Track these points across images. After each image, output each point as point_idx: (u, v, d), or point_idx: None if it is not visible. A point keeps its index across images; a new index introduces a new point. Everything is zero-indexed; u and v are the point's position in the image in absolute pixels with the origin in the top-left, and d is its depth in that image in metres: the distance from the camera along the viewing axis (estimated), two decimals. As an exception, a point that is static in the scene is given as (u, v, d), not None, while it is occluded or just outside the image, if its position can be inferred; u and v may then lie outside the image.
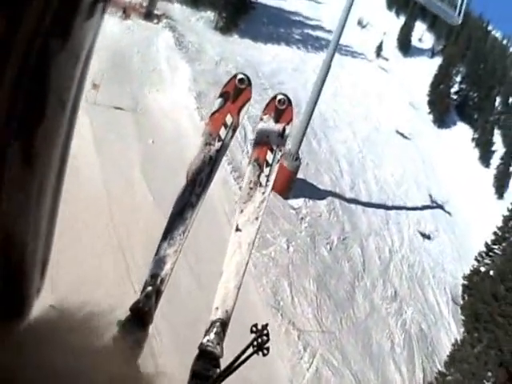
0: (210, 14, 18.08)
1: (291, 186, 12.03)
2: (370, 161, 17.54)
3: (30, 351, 0.59)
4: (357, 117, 19.44)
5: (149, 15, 15.36)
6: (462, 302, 14.48)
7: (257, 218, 2.40)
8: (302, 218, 11.77)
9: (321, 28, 24.33)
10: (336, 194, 13.94)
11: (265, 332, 1.61)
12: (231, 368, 1.63)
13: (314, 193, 13.06)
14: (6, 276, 0.61)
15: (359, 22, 27.60)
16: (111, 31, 13.02)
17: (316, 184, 13.52)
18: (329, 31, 23.63)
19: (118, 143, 10.04)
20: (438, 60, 28.06)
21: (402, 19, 30.76)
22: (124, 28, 14.33)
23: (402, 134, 21.26)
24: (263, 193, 2.46)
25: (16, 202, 0.57)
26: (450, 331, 13.69)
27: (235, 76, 2.41)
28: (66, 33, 0.54)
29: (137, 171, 9.72)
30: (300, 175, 12.69)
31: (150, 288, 2.24)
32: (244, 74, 2.39)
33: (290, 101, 2.51)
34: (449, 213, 19.37)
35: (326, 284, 10.89)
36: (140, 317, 2.09)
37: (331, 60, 11.75)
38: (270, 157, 2.50)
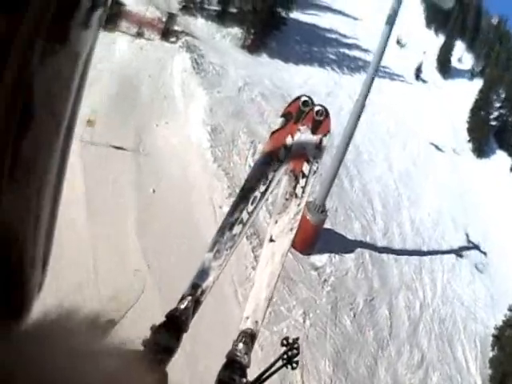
0: (238, 31, 15.94)
1: (315, 241, 10.08)
2: (405, 199, 15.43)
3: (30, 351, 0.56)
4: (394, 148, 17.31)
5: (166, 33, 13.26)
6: (490, 355, 12.89)
7: (291, 230, 2.46)
8: (325, 281, 9.82)
9: (357, 47, 22.17)
10: (366, 244, 11.94)
11: (295, 346, 1.64)
12: (260, 380, 1.67)
13: (342, 245, 11.07)
14: (7, 276, 0.58)
15: (398, 41, 25.48)
16: (120, 52, 11.33)
17: (345, 234, 11.52)
18: (366, 50, 21.67)
19: (112, 196, 8.28)
20: (477, 82, 25.90)
21: (441, 37, 28.76)
22: (135, 48, 12.43)
23: (440, 165, 18.95)
24: (298, 204, 2.49)
25: (17, 201, 0.56)
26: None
27: (299, 98, 2.53)
28: (63, 38, 0.53)
29: (131, 233, 7.85)
30: (327, 224, 10.70)
31: (189, 298, 2.29)
32: (308, 97, 2.51)
33: (327, 112, 2.52)
34: (484, 253, 17.22)
35: (344, 362, 9.06)
36: (175, 325, 2.14)
37: (370, 88, 9.59)
38: (306, 168, 2.53)
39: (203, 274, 2.37)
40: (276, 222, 2.46)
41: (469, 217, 18.19)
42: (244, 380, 2.05)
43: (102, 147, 8.88)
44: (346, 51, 21.20)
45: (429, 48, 27.05)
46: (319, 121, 2.52)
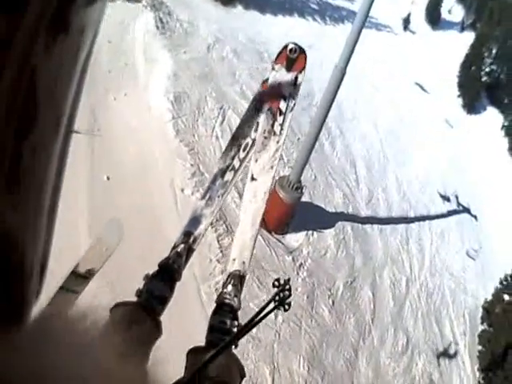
0: (211, -19, 14.33)
1: (289, 220, 9.00)
2: (392, 160, 14.19)
3: (29, 351, 0.55)
4: (380, 105, 15.96)
5: None
6: (479, 330, 12.20)
7: (272, 167, 2.56)
8: (301, 265, 8.70)
9: (342, -4, 20.43)
10: (348, 216, 10.81)
11: (287, 287, 1.58)
12: (253, 322, 1.58)
13: (321, 219, 9.94)
14: (6, 277, 0.58)
15: None
16: None
17: (324, 206, 10.36)
18: (350, 0, 20.27)
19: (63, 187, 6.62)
20: (467, 35, 24.36)
21: (431, -13, 26.52)
22: None
23: (429, 123, 17.72)
24: (277, 142, 2.57)
25: (16, 203, 0.56)
26: (463, 371, 11.10)
27: (286, 47, 2.59)
28: (64, 36, 0.52)
29: (82, 227, 6.57)
30: (305, 197, 9.52)
31: (181, 246, 2.45)
32: (294, 43, 2.59)
33: (302, 49, 2.56)
34: (475, 217, 16.19)
35: (321, 359, 8.06)
36: (168, 274, 2.31)
37: (356, 41, 8.25)
38: (283, 105, 2.60)
39: (195, 221, 2.50)
40: (256, 160, 2.54)
41: (458, 177, 16.86)
42: (235, 323, 2.21)
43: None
44: (329, 0, 19.59)
45: (417, -2, 25.65)
46: (293, 58, 2.55)
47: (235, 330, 2.28)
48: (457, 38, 24.80)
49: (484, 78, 21.46)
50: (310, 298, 8.51)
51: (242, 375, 2.08)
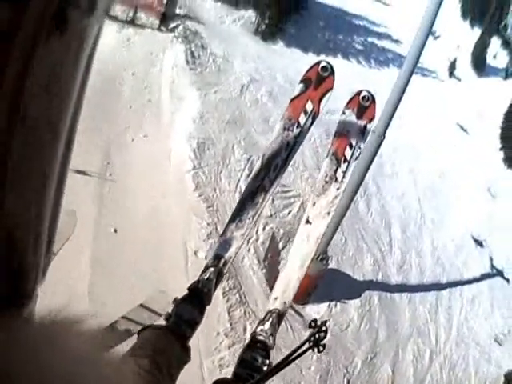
0: (252, 14, 13.64)
1: (311, 292, 8.17)
2: (429, 221, 13.27)
3: (30, 341, 0.56)
4: (421, 159, 15.08)
5: (166, 17, 10.90)
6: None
7: (328, 213, 2.57)
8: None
9: (388, 36, 19.68)
10: (377, 284, 9.98)
11: (323, 328, 1.64)
12: (286, 362, 1.64)
13: (347, 288, 9.13)
14: (9, 262, 0.61)
15: (431, 32, 22.53)
16: (102, 45, 9.10)
17: (353, 273, 9.56)
18: (397, 41, 19.43)
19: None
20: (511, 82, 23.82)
21: (476, 31, 25.97)
22: (121, 40, 10.06)
23: (470, 178, 16.75)
24: (338, 188, 2.61)
25: (19, 196, 0.58)
26: None
27: (318, 63, 2.70)
28: (68, 29, 0.53)
29: (83, 292, 5.72)
30: (332, 264, 8.72)
31: (211, 269, 2.44)
32: (327, 62, 2.70)
33: (374, 98, 2.64)
34: (507, 280, 15.13)
35: None
36: (197, 297, 2.30)
37: (405, 88, 7.42)
38: (348, 153, 2.64)
39: (226, 244, 2.53)
40: (314, 204, 2.64)
41: (495, 238, 15.96)
42: (267, 361, 2.24)
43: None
44: (375, 41, 18.77)
45: (463, 41, 24.54)
46: (365, 106, 2.64)
47: (265, 368, 2.23)
48: (501, 85, 23.79)
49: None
50: (322, 378, 7.66)
51: None
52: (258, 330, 2.43)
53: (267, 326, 2.41)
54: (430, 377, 9.90)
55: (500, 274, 15.01)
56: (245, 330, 6.79)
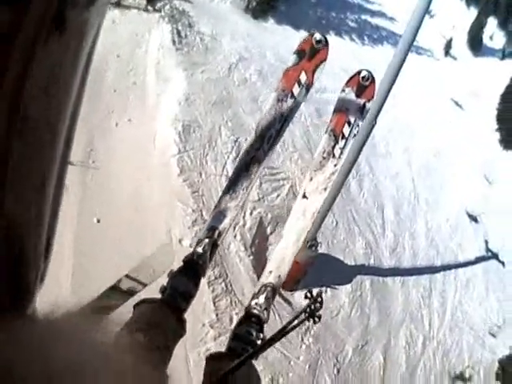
0: (243, -9, 13.18)
1: (300, 278, 7.92)
2: (423, 202, 13.00)
3: (31, 342, 0.56)
4: (417, 138, 14.83)
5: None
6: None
7: (325, 189, 2.60)
8: (307, 329, 7.58)
9: (382, 14, 19.24)
10: (369, 268, 9.72)
11: (319, 299, 1.63)
12: (281, 333, 1.66)
13: (338, 274, 8.87)
14: (9, 265, 0.61)
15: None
16: None
17: (344, 258, 9.29)
18: (391, 19, 19.09)
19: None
20: (508, 63, 23.48)
21: (473, 11, 25.71)
22: (106, 22, 9.11)
23: (465, 157, 16.48)
24: (335, 165, 2.62)
25: (19, 196, 0.57)
26: None
27: (312, 34, 2.76)
28: (67, 30, 0.53)
29: (65, 283, 5.46)
30: (323, 247, 8.48)
31: (206, 241, 2.44)
32: (321, 34, 2.75)
33: (373, 78, 2.71)
34: (502, 263, 14.92)
35: None
36: (192, 270, 2.32)
37: (400, 67, 7.05)
38: (346, 130, 2.66)
39: (220, 215, 2.56)
40: (311, 179, 2.68)
41: (491, 219, 15.74)
42: (261, 335, 2.29)
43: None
44: (369, 18, 18.35)
45: (459, 21, 24.33)
46: (364, 85, 2.73)
47: (259, 342, 2.25)
48: (498, 66, 23.62)
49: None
50: (312, 368, 7.45)
51: None
52: (253, 303, 2.42)
53: (261, 299, 2.40)
54: (423, 363, 9.73)
55: (495, 256, 14.87)
56: (231, 320, 6.56)
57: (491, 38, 25.86)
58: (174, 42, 9.71)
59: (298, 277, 7.76)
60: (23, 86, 0.50)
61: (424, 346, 10.04)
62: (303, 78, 2.78)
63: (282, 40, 12.97)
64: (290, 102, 2.78)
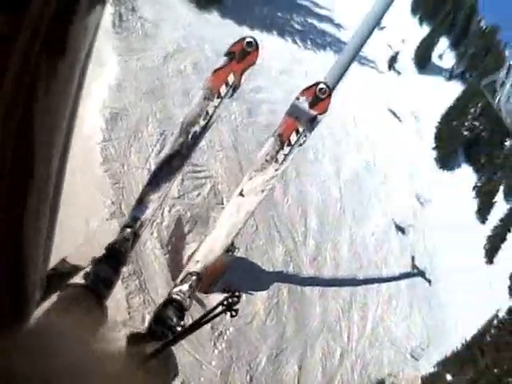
0: (194, -19, 13.11)
1: (216, 281, 7.88)
2: (349, 214, 13.22)
3: (32, 350, 0.58)
4: (349, 148, 15.10)
5: None
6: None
7: (262, 191, 2.67)
8: (220, 335, 7.65)
9: (329, 20, 19.60)
10: (287, 276, 9.82)
11: (236, 294, 1.69)
12: (199, 323, 1.72)
13: (255, 280, 8.93)
14: (10, 277, 0.63)
15: None
16: None
17: (262, 263, 9.36)
18: (338, 26, 19.47)
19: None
20: (454, 84, 24.30)
21: (425, 29, 26.67)
22: None
23: (395, 172, 16.91)
24: (276, 170, 2.71)
25: (19, 203, 0.59)
26: None
27: (244, 38, 2.84)
28: (62, 37, 0.54)
29: None
30: (241, 251, 8.64)
31: (128, 230, 2.54)
32: (252, 38, 2.83)
33: (330, 93, 2.69)
34: (429, 281, 15.52)
35: None
36: (114, 257, 2.39)
37: (341, 78, 7.23)
38: (293, 138, 2.74)
39: (142, 206, 2.66)
40: (250, 178, 2.74)
41: (419, 236, 16.30)
42: (181, 322, 2.39)
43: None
44: (315, 22, 18.60)
45: (409, 36, 24.97)
46: (320, 98, 2.72)
47: (179, 328, 2.33)
48: (443, 86, 24.36)
49: (465, 133, 20.86)
50: (224, 375, 7.45)
51: (176, 373, 2.16)
52: (176, 290, 2.50)
53: (185, 287, 2.47)
54: (340, 376, 9.90)
55: (422, 274, 15.32)
56: (143, 319, 6.48)
57: (440, 57, 26.64)
58: (114, 24, 9.59)
59: (212, 281, 7.81)
60: (23, 87, 0.51)
61: (342, 359, 10.21)
62: (231, 79, 2.89)
63: (223, 35, 12.92)
64: (216, 101, 2.87)
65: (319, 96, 2.74)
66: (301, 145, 2.83)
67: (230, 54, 2.94)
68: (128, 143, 7.94)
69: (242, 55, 2.86)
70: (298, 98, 2.84)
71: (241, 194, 2.73)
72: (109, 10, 9.78)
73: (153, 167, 7.90)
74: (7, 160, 0.54)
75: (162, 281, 7.13)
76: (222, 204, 8.41)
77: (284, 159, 2.78)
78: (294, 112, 2.86)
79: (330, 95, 2.77)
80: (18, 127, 0.53)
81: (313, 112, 2.79)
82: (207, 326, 7.52)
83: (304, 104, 2.79)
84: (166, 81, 9.67)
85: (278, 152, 2.78)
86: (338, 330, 10.59)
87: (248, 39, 2.91)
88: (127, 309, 6.50)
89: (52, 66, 0.54)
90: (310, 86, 2.85)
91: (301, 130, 2.80)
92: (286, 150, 2.78)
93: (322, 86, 2.76)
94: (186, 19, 12.36)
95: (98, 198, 7.05)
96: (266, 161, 2.77)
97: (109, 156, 7.50)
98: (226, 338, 7.76)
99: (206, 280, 7.60)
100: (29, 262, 0.66)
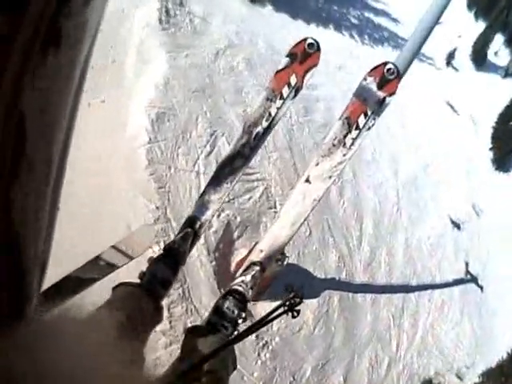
0: (246, -28, 12.70)
1: (263, 290, 7.52)
2: (405, 217, 12.68)
3: (31, 349, 0.58)
4: (407, 147, 14.54)
5: None
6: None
7: (330, 177, 2.60)
8: (265, 345, 7.31)
9: (386, 14, 18.93)
10: (339, 283, 9.42)
11: (299, 294, 1.67)
12: (260, 325, 1.68)
13: (305, 287, 8.49)
14: (7, 274, 0.63)
15: None
16: None
17: (313, 270, 8.97)
18: (395, 20, 18.78)
19: None
20: (509, 82, 23.51)
21: (481, 24, 25.57)
22: None
23: (452, 176, 16.22)
24: (344, 154, 2.61)
25: (18, 201, 0.58)
26: None
27: (305, 39, 2.72)
28: (62, 38, 0.53)
29: None
30: (291, 258, 8.22)
31: (188, 230, 2.55)
32: (313, 39, 2.72)
33: (399, 73, 2.55)
34: (481, 287, 14.77)
35: None
36: (172, 257, 2.40)
37: (404, 72, 6.96)
38: (362, 121, 2.62)
39: (203, 207, 2.66)
40: (317, 164, 2.66)
41: (474, 241, 15.54)
42: (242, 314, 2.34)
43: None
44: (372, 16, 18.00)
45: (465, 32, 24.11)
46: (388, 79, 2.57)
47: (240, 321, 2.34)
48: (499, 83, 23.50)
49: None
50: (265, 387, 7.03)
51: (235, 367, 2.20)
52: (239, 280, 2.46)
53: (248, 277, 2.43)
54: (385, 389, 9.44)
55: (474, 280, 14.69)
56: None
57: (496, 54, 25.74)
58: (160, 20, 9.23)
59: (260, 290, 7.47)
60: (22, 86, 0.49)
61: (389, 368, 9.76)
62: (293, 80, 2.79)
63: (276, 29, 12.56)
64: (278, 102, 2.81)
65: (387, 77, 2.60)
66: (369, 128, 2.70)
67: (291, 56, 2.84)
68: (175, 145, 7.58)
69: (304, 56, 2.75)
70: (365, 79, 2.71)
71: (307, 181, 2.66)
72: (155, 5, 9.49)
73: (202, 170, 7.71)
74: (7, 160, 0.53)
75: (207, 289, 6.83)
76: (275, 208, 8.07)
77: (352, 143, 2.67)
78: (361, 93, 2.72)
79: (398, 76, 2.62)
80: (18, 127, 0.52)
81: (381, 93, 2.65)
82: (252, 337, 7.19)
83: (372, 85, 2.66)
84: (217, 78, 9.29)
85: (345, 136, 2.68)
86: (387, 338, 10.18)
87: (309, 40, 2.77)
88: (168, 318, 6.23)
89: (51, 64, 0.53)
90: (378, 66, 2.70)
91: (369, 112, 2.68)
92: (354, 133, 2.68)
93: (389, 65, 2.63)
94: (237, 13, 11.96)
95: (141, 201, 6.72)
96: (334, 145, 2.68)
97: (154, 159, 7.15)
98: (270, 348, 7.43)
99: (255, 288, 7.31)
100: (28, 262, 0.66)
